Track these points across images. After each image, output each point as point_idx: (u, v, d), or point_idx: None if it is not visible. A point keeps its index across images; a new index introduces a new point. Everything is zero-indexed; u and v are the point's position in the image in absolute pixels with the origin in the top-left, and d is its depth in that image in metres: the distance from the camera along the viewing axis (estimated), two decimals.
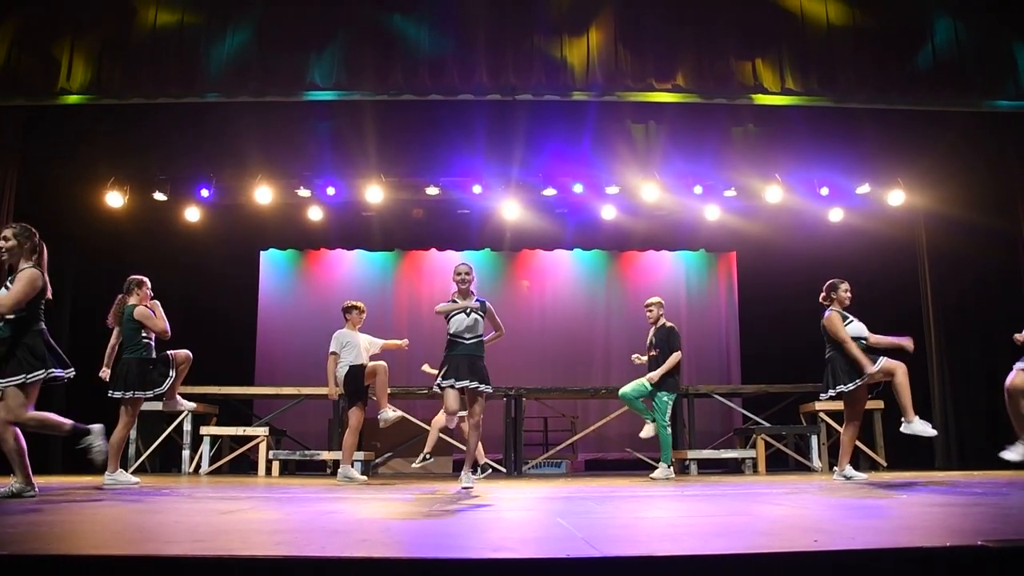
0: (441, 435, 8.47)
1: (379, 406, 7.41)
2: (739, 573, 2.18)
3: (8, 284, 4.96)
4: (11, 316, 4.90)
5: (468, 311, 6.06)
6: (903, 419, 6.59)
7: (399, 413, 7.44)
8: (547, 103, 8.60)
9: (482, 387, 6.02)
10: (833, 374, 6.71)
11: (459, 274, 6.16)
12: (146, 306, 6.76)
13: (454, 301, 6.14)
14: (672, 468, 8.12)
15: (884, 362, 6.55)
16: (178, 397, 6.95)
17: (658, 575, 2.17)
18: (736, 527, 3.20)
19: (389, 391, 7.61)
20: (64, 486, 6.29)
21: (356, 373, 7.52)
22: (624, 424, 10.91)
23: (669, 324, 8.31)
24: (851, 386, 6.56)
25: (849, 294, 6.95)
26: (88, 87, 8.07)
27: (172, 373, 6.69)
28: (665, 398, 8.08)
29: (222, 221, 10.92)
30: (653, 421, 8.14)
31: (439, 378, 6.14)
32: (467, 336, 6.05)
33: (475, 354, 6.06)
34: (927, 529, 3.02)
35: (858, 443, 9.19)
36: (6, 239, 5.03)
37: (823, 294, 6.99)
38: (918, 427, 6.48)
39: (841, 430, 9.32)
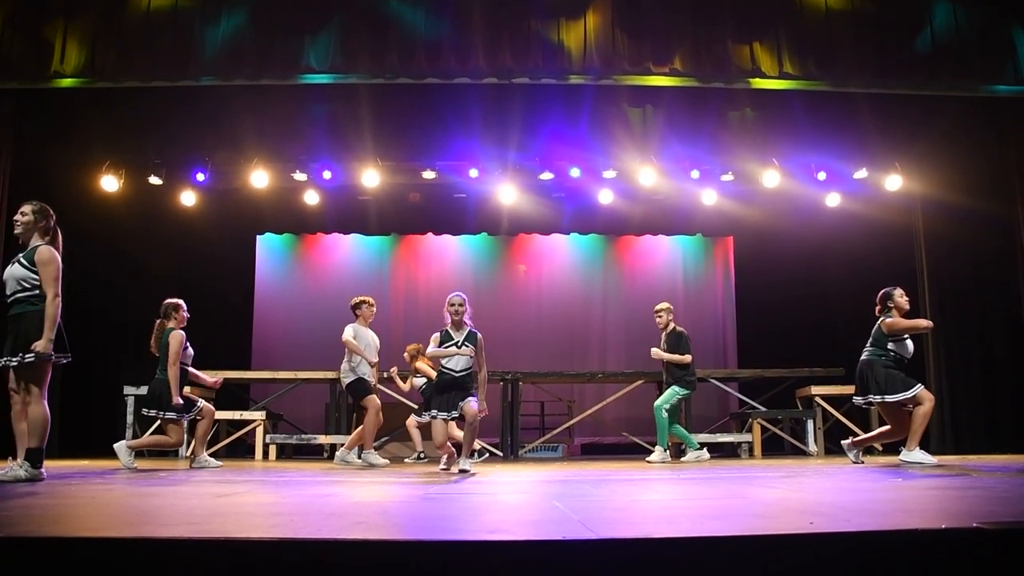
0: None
1: (365, 447, 7.50)
2: (736, 555, 2.18)
3: (22, 260, 5.03)
4: (24, 295, 4.97)
5: (459, 345, 6.02)
6: (904, 447, 6.42)
7: (385, 461, 7.59)
8: (544, 87, 8.59)
9: (472, 400, 5.93)
10: (865, 380, 6.53)
11: (452, 305, 6.11)
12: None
13: (447, 332, 6.09)
14: (668, 452, 8.16)
15: (921, 390, 6.37)
16: (205, 455, 7.07)
17: (654, 557, 2.17)
18: (732, 509, 3.20)
19: (387, 375, 7.62)
20: (60, 470, 6.28)
21: (357, 388, 7.59)
22: (620, 408, 10.95)
23: (679, 329, 8.35)
24: (891, 399, 6.36)
25: (906, 299, 6.66)
26: (82, 70, 8.02)
27: (194, 411, 7.01)
28: (677, 389, 8.12)
29: (218, 205, 10.88)
30: (691, 448, 8.23)
31: (424, 410, 6.25)
32: (457, 370, 6.03)
33: (462, 384, 6.00)
34: (923, 512, 3.02)
35: (854, 427, 9.24)
36: (23, 213, 5.15)
37: (878, 306, 6.68)
38: (918, 456, 6.33)
39: (837, 413, 9.42)
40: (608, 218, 11.64)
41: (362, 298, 7.86)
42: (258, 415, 9.28)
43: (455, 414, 5.95)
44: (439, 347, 6.05)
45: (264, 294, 12.15)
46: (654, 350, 8.30)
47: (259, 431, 9.16)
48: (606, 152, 9.57)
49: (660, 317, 8.42)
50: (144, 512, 3.24)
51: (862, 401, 6.64)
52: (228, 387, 10.34)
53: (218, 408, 9.78)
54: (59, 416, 9.30)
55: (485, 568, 2.12)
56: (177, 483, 4.94)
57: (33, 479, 4.80)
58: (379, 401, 7.61)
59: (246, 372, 10.62)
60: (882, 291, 6.75)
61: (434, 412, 6.01)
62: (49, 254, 5.04)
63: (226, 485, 4.64)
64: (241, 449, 9.90)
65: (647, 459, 8.10)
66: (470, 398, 5.94)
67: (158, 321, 7.09)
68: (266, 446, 9.12)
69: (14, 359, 4.89)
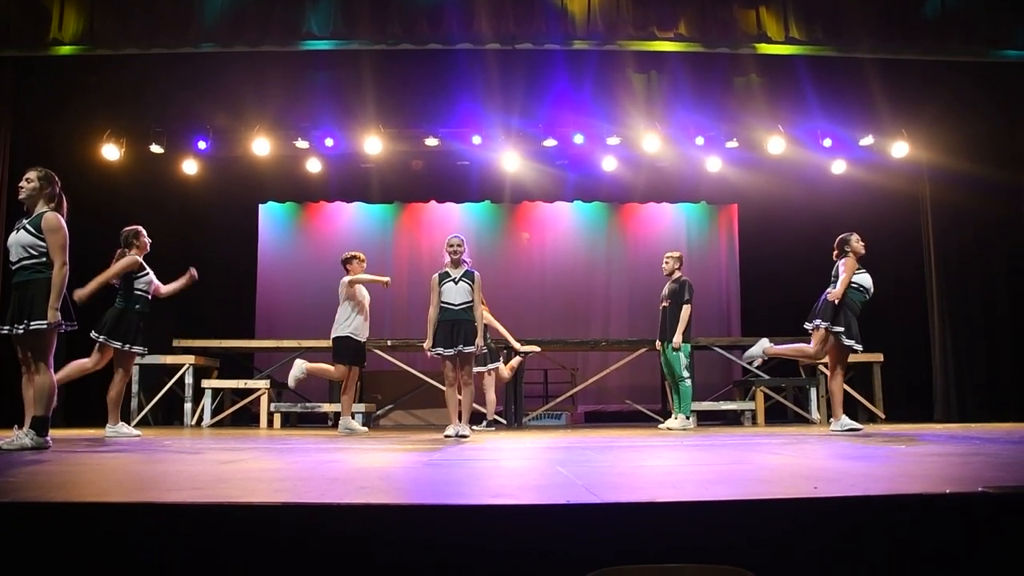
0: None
1: (343, 413, 7.71)
2: (741, 518, 2.18)
3: (27, 226, 5.00)
4: (30, 262, 4.94)
5: (456, 281, 6.38)
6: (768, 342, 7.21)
7: (364, 429, 7.77)
8: (548, 52, 8.49)
9: (465, 349, 6.28)
10: (816, 308, 6.93)
11: (451, 246, 6.48)
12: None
13: (445, 272, 6.45)
14: (691, 419, 8.13)
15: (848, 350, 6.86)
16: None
17: (658, 521, 2.17)
18: (737, 475, 3.21)
19: (392, 343, 7.63)
20: (66, 438, 6.32)
21: (354, 347, 7.64)
22: (624, 376, 10.95)
23: (683, 278, 8.34)
24: (818, 325, 6.82)
25: (862, 244, 7.00)
26: (80, 37, 7.94)
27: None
28: (681, 349, 8.12)
29: (220, 174, 10.80)
30: (680, 413, 8.18)
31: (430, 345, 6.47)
32: (456, 304, 6.35)
33: (460, 318, 6.33)
34: (927, 477, 3.02)
35: (857, 396, 9.25)
36: (28, 179, 5.11)
37: (835, 251, 7.04)
38: (756, 349, 7.17)
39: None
40: (612, 185, 11.55)
41: (353, 253, 7.85)
42: (262, 384, 9.31)
43: (451, 351, 6.27)
44: (438, 286, 6.42)
45: (267, 263, 12.13)
46: (674, 344, 8.20)
47: (263, 400, 9.19)
48: (610, 119, 9.47)
49: (666, 264, 8.47)
50: (149, 478, 3.25)
51: (810, 326, 7.02)
52: (232, 356, 10.39)
53: (222, 377, 9.86)
54: (63, 385, 9.34)
55: (488, 532, 2.12)
56: (182, 451, 4.96)
57: (39, 447, 4.81)
58: (345, 369, 7.67)
59: (250, 341, 10.63)
60: (840, 236, 7.10)
61: (439, 349, 6.33)
62: (56, 221, 5.01)
63: (231, 452, 4.66)
64: (246, 417, 9.95)
65: (667, 425, 8.13)
66: (469, 348, 6.25)
67: (119, 251, 6.88)
68: (270, 414, 9.16)
69: (19, 327, 4.87)
